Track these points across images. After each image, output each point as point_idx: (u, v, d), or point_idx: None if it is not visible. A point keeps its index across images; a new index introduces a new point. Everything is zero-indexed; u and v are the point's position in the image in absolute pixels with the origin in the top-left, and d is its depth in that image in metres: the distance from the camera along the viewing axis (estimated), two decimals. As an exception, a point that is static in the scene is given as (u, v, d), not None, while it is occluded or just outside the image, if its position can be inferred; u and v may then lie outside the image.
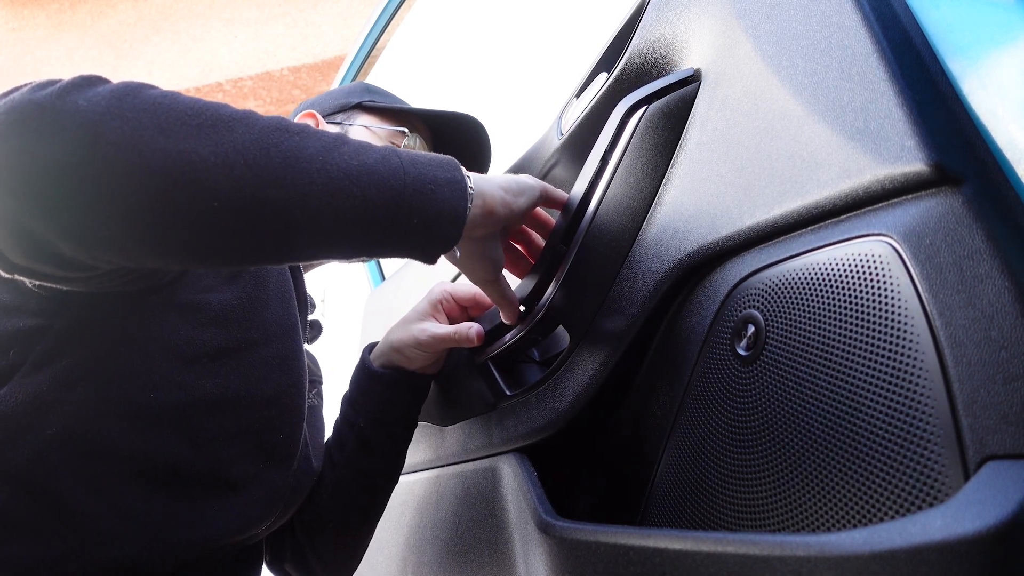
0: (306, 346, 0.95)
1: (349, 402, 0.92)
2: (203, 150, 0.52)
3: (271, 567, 0.98)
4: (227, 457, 0.73)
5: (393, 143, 0.97)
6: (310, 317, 0.98)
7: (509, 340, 0.80)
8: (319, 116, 0.99)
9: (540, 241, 0.80)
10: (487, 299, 0.87)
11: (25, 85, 0.54)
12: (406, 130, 1.01)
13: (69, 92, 0.52)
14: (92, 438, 0.66)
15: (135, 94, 0.53)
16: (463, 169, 0.66)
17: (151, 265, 0.60)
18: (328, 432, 0.98)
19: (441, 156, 0.66)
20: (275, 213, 0.55)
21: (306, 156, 0.56)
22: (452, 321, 0.89)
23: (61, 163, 0.50)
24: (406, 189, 0.60)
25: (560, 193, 0.75)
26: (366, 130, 1.00)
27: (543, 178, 0.92)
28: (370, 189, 0.58)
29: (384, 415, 0.89)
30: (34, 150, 0.50)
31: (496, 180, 0.70)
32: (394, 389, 0.88)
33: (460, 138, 1.06)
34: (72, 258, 0.55)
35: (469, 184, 0.65)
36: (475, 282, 0.75)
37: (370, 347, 0.94)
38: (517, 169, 0.98)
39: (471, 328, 0.83)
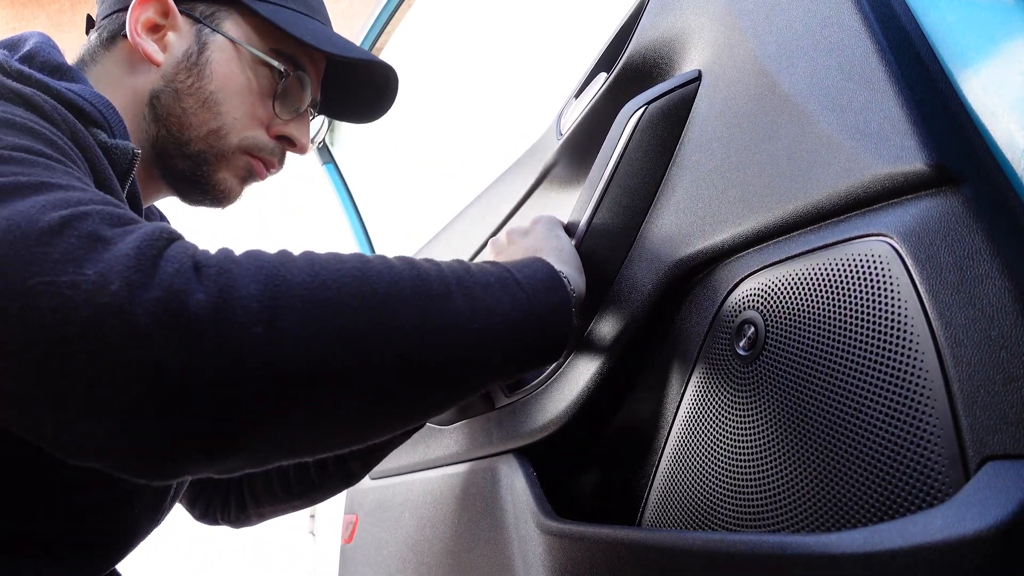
0: None
1: None
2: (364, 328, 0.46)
3: (203, 520, 0.97)
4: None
5: (264, 74, 0.74)
6: None
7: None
8: (171, 2, 0.72)
9: None
10: None
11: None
12: (283, 70, 0.74)
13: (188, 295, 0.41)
14: None
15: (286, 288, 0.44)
16: (565, 282, 0.60)
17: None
18: None
19: (547, 273, 0.60)
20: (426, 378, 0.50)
21: (453, 320, 0.51)
22: None
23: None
24: (533, 333, 0.56)
25: None
26: (231, 47, 0.72)
27: (543, 178, 0.92)
28: (509, 345, 0.54)
29: (379, 457, 0.89)
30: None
31: (573, 262, 0.66)
32: (398, 440, 0.88)
33: (364, 81, 0.85)
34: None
35: (571, 289, 0.61)
36: None
37: None
38: (515, 169, 0.98)
39: None
